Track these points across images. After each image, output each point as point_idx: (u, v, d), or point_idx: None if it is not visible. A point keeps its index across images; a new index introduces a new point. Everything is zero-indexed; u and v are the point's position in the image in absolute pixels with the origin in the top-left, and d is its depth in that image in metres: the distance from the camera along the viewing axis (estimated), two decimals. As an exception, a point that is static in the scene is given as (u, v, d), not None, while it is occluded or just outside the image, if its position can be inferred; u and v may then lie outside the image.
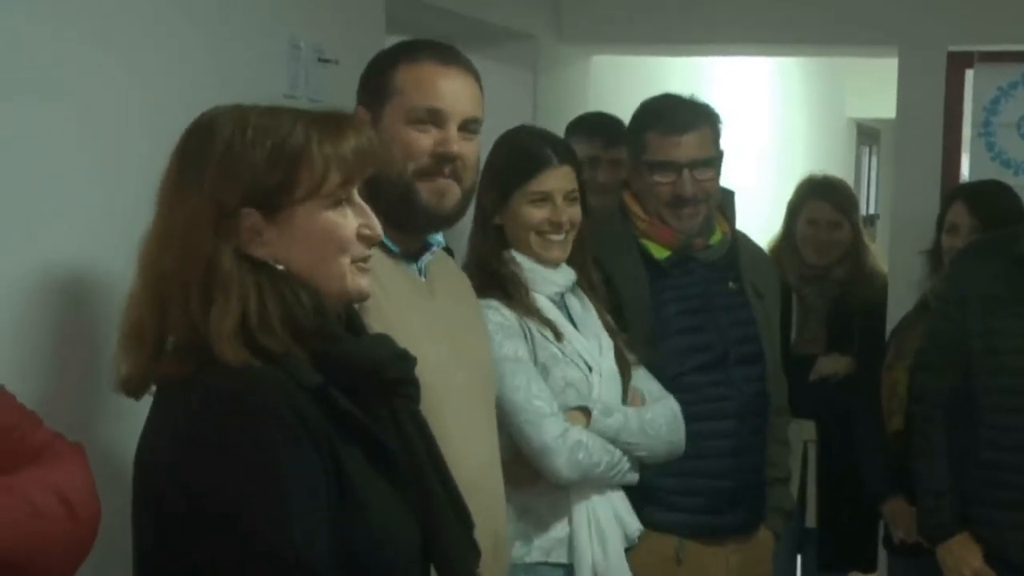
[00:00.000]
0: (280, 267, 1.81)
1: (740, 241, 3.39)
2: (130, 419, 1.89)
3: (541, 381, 2.74)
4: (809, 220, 4.37)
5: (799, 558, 4.46)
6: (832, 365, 4.26)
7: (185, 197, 1.80)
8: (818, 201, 4.39)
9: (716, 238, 3.28)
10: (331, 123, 1.84)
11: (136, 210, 1.88)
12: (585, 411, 2.78)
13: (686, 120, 3.20)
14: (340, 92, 2.90)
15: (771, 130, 7.22)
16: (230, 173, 1.79)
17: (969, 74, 4.35)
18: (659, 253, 3.21)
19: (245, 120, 1.81)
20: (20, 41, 2.23)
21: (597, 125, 4.10)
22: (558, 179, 2.82)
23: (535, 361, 2.77)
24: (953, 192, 4.10)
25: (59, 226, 2.43)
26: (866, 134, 8.87)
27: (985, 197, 3.97)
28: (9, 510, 1.71)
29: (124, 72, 2.57)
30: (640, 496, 2.88)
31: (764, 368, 3.30)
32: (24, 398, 2.05)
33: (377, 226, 1.88)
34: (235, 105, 1.85)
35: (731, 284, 3.29)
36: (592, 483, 2.76)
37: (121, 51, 2.56)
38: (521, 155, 2.86)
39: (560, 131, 3.98)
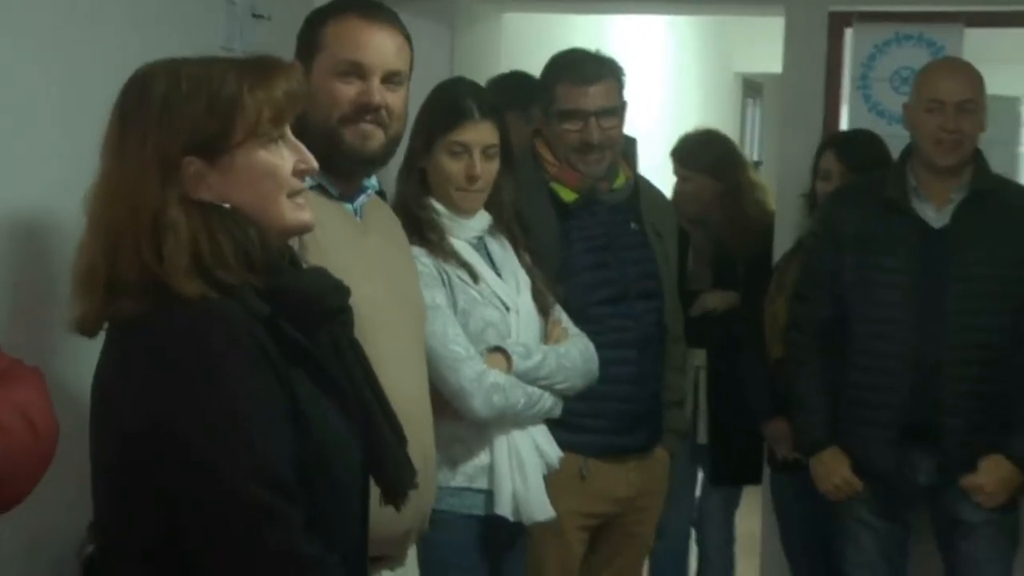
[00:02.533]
0: (227, 205, 1.78)
1: (641, 185, 3.41)
2: (83, 354, 1.88)
3: (458, 326, 2.72)
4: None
5: (700, 476, 4.52)
6: (712, 301, 4.29)
7: (128, 150, 1.77)
8: None
9: (620, 182, 3.30)
10: (260, 69, 1.82)
11: (90, 159, 1.86)
12: (504, 352, 2.77)
13: (593, 72, 3.22)
14: (272, 46, 2.77)
15: (666, 84, 7.23)
16: (171, 125, 1.76)
17: (848, 33, 4.34)
18: (567, 196, 3.23)
19: (178, 74, 1.78)
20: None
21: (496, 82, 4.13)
22: (477, 133, 2.78)
23: (455, 305, 2.75)
24: (824, 142, 4.15)
25: (16, 175, 2.41)
26: (750, 87, 8.92)
27: (852, 145, 4.02)
28: None
29: (75, 32, 2.55)
30: (548, 420, 2.89)
31: (662, 302, 3.33)
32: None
33: (311, 159, 1.87)
34: (167, 60, 1.82)
35: (633, 225, 3.31)
36: (512, 420, 2.76)
37: (71, 12, 2.54)
38: (446, 105, 2.82)
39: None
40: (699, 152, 4.52)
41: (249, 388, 1.72)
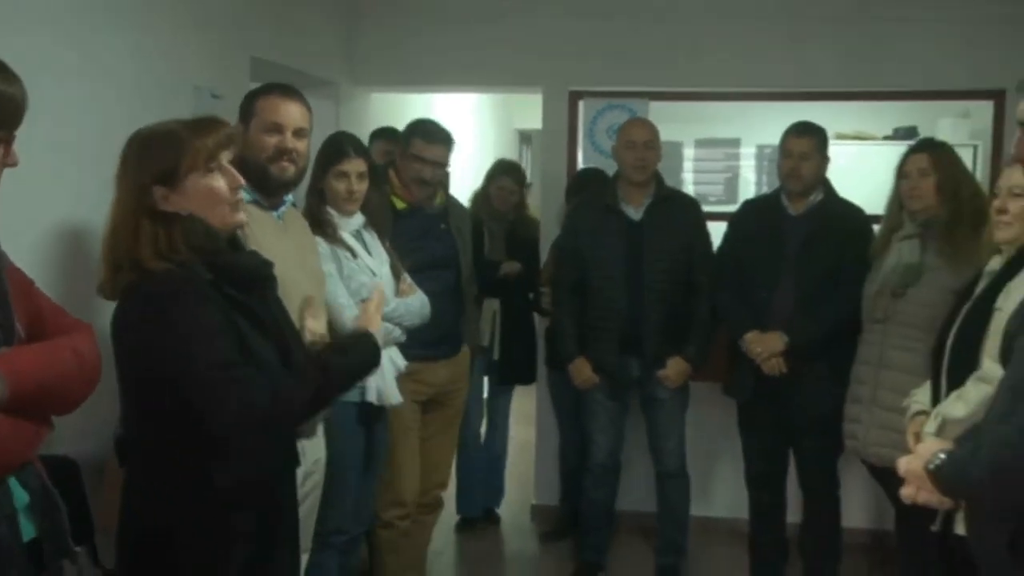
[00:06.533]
0: (184, 213, 1.77)
1: (451, 202, 3.37)
2: (106, 314, 1.87)
3: (343, 287, 2.68)
4: (498, 187, 4.37)
5: (486, 380, 4.40)
6: (509, 268, 4.25)
7: (123, 182, 1.77)
8: (504, 176, 4.39)
9: (439, 200, 3.27)
10: (200, 125, 1.81)
11: (102, 190, 1.87)
12: None
13: (440, 134, 3.19)
14: (225, 115, 2.74)
15: (473, 137, 7.27)
16: (144, 166, 1.76)
17: (581, 103, 4.38)
18: (400, 205, 3.18)
19: (152, 133, 1.79)
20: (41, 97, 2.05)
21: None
22: (353, 165, 2.76)
23: (341, 273, 2.71)
24: (571, 182, 4.18)
25: (67, 200, 2.40)
26: (524, 137, 8.96)
27: (580, 182, 4.09)
28: (53, 360, 1.68)
29: (95, 108, 2.52)
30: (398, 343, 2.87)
31: (458, 269, 3.29)
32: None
33: (239, 178, 1.84)
34: (151, 124, 1.81)
35: (443, 226, 3.27)
36: None
37: (92, 97, 2.52)
38: (333, 148, 2.80)
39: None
40: (521, 172, 4.50)
41: (203, 316, 1.71)
